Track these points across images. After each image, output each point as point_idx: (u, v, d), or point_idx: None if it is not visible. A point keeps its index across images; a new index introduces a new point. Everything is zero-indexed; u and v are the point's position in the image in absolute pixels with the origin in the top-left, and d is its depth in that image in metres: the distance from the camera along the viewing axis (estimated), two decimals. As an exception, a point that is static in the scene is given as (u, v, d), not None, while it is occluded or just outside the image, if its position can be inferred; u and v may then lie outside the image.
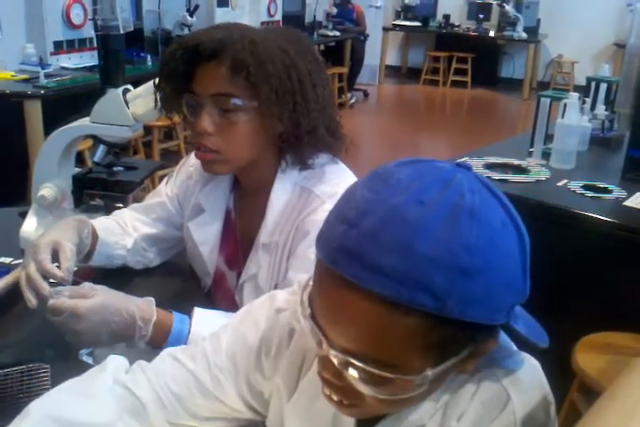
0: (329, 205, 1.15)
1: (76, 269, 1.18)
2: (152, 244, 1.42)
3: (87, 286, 1.08)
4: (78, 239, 1.19)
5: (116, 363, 0.87)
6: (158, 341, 1.06)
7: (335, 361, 0.63)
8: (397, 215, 0.57)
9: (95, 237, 1.29)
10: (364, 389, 0.63)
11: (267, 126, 1.13)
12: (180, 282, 1.43)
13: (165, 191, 1.40)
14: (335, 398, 0.68)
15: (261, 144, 1.18)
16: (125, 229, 1.39)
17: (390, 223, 0.57)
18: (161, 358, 0.89)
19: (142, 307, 1.07)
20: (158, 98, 1.20)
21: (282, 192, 1.22)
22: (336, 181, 1.21)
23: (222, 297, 1.37)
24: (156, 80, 1.20)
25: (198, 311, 1.12)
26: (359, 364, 0.60)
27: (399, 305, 0.56)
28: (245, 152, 1.18)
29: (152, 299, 1.10)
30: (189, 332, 1.08)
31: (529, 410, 0.69)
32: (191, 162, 1.38)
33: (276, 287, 1.23)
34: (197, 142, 1.16)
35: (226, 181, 1.33)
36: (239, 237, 1.34)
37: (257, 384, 0.83)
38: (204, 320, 1.10)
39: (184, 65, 1.11)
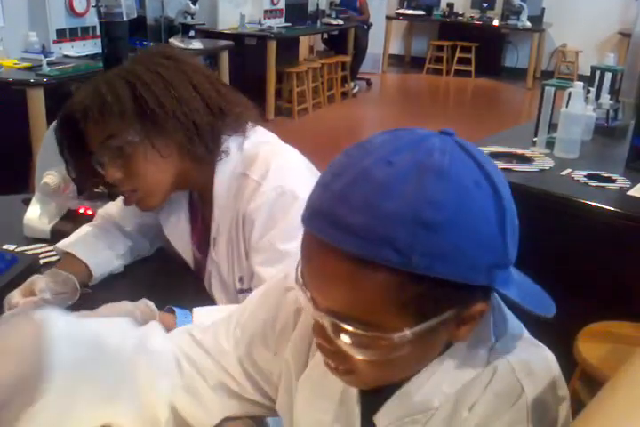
0: (264, 188, 1.17)
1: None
2: (146, 232, 1.42)
3: (85, 313, 1.06)
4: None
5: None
6: None
7: (322, 323, 0.64)
8: (365, 176, 0.58)
9: (85, 270, 1.29)
10: (350, 350, 0.63)
11: (158, 144, 1.15)
12: (174, 267, 1.42)
13: None
14: (332, 364, 0.69)
15: (171, 162, 1.18)
16: (114, 234, 1.38)
17: (358, 184, 0.58)
18: (176, 332, 0.92)
19: (146, 318, 1.06)
20: (74, 182, 1.27)
21: (222, 184, 1.23)
22: (266, 156, 1.21)
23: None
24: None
25: (197, 312, 1.13)
26: (341, 324, 0.61)
27: (368, 262, 0.57)
28: (160, 177, 1.19)
29: (152, 304, 1.10)
30: None
31: (542, 404, 0.68)
32: None
33: (241, 279, 1.25)
34: (118, 192, 1.22)
35: None
36: (205, 226, 1.34)
37: (261, 359, 0.84)
38: (205, 319, 1.09)
39: (71, 139, 1.18)
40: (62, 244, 1.33)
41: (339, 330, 0.63)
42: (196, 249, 1.37)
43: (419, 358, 0.67)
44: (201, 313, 1.12)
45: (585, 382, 1.71)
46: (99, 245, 1.34)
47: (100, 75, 1.19)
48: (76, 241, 1.34)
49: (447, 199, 0.57)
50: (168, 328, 1.05)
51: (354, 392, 0.76)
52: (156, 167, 1.18)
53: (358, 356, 0.64)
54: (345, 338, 0.63)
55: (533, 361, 0.70)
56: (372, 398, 0.74)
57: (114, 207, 1.42)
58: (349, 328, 0.61)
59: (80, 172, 1.23)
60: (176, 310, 1.11)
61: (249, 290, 1.22)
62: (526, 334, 0.74)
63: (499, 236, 0.60)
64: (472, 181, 0.59)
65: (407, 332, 0.60)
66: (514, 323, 0.74)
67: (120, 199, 1.43)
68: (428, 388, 0.70)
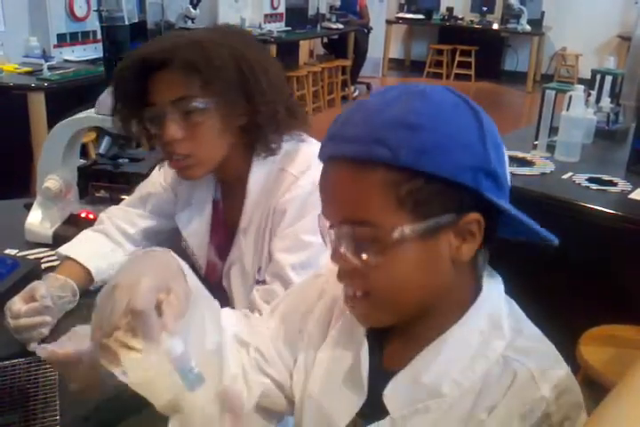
0: (302, 181, 1.18)
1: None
2: (151, 237, 1.41)
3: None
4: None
5: None
6: None
7: (336, 238, 0.72)
8: (362, 105, 0.72)
9: (86, 275, 1.28)
10: (362, 256, 0.70)
11: (229, 120, 1.15)
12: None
13: (159, 181, 1.39)
14: (350, 291, 0.74)
15: (229, 139, 1.19)
16: (116, 239, 1.37)
17: (356, 111, 0.71)
18: None
19: None
20: (118, 122, 1.20)
21: (258, 178, 1.23)
22: (308, 156, 1.22)
23: (214, 286, 1.36)
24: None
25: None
26: (349, 229, 0.70)
27: (365, 162, 0.67)
28: (216, 150, 1.19)
29: None
30: None
31: (564, 413, 0.69)
32: None
33: (259, 270, 1.25)
34: (168, 152, 1.18)
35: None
36: (227, 227, 1.34)
37: (289, 337, 0.90)
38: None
39: (136, 81, 1.13)
40: (63, 248, 1.33)
41: (351, 240, 0.70)
42: (213, 249, 1.36)
43: (425, 272, 0.71)
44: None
45: (587, 386, 1.70)
46: (100, 250, 1.34)
47: (193, 34, 1.16)
48: (78, 246, 1.34)
49: (425, 110, 0.68)
50: None
51: (365, 362, 0.79)
52: (220, 141, 1.18)
53: (369, 263, 0.70)
54: (357, 247, 0.70)
55: (552, 367, 0.72)
56: (383, 377, 0.77)
57: (118, 211, 1.41)
58: (358, 230, 0.69)
59: (129, 119, 1.19)
60: None
61: (264, 282, 1.23)
62: (540, 333, 0.77)
63: (478, 142, 0.69)
64: (451, 102, 0.70)
65: (406, 228, 0.68)
66: (527, 322, 0.77)
67: (124, 203, 1.43)
68: (436, 368, 0.73)
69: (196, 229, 1.34)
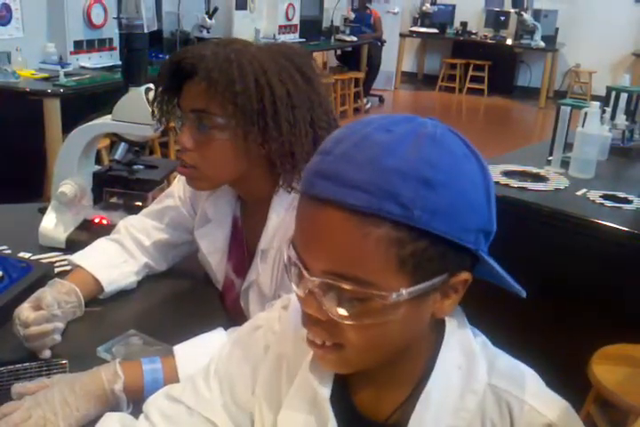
0: None
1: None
2: (165, 250, 1.40)
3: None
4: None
5: None
6: (134, 396, 0.99)
7: (315, 291, 0.64)
8: (367, 139, 0.62)
9: (95, 284, 1.27)
10: (344, 316, 0.63)
11: (247, 145, 1.12)
12: (191, 285, 1.42)
13: (178, 194, 1.37)
14: (318, 340, 0.67)
15: (244, 163, 1.16)
16: (129, 252, 1.35)
17: (360, 145, 0.61)
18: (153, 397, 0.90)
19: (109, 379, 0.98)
20: (155, 109, 1.19)
21: (282, 203, 1.20)
22: None
23: (231, 302, 1.35)
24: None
25: (178, 350, 1.06)
26: (340, 283, 0.61)
27: (370, 216, 0.59)
28: (223, 170, 1.17)
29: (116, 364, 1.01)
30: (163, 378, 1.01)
31: (565, 422, 0.69)
32: None
33: (277, 290, 1.22)
34: (179, 157, 1.17)
35: (231, 189, 1.30)
36: (246, 245, 1.32)
37: (244, 400, 0.83)
38: (188, 358, 1.04)
39: (173, 79, 1.13)
40: (75, 257, 1.31)
41: (334, 293, 0.63)
42: (231, 266, 1.34)
43: (407, 329, 0.67)
44: (184, 352, 1.06)
45: (599, 406, 1.68)
46: (112, 261, 1.32)
47: (229, 52, 1.09)
48: (90, 254, 1.32)
49: (442, 162, 0.61)
50: (136, 387, 0.99)
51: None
52: (232, 162, 1.15)
53: (351, 321, 0.63)
54: (340, 302, 0.63)
55: (541, 390, 0.71)
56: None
57: (135, 221, 1.39)
58: (348, 287, 0.61)
59: (162, 109, 1.18)
60: (143, 365, 1.02)
61: None
62: (505, 354, 0.75)
63: (485, 203, 0.64)
64: (461, 152, 0.64)
65: (403, 291, 0.61)
66: (489, 343, 0.75)
67: (142, 213, 1.41)
68: (431, 418, 0.69)
69: (215, 245, 1.32)
